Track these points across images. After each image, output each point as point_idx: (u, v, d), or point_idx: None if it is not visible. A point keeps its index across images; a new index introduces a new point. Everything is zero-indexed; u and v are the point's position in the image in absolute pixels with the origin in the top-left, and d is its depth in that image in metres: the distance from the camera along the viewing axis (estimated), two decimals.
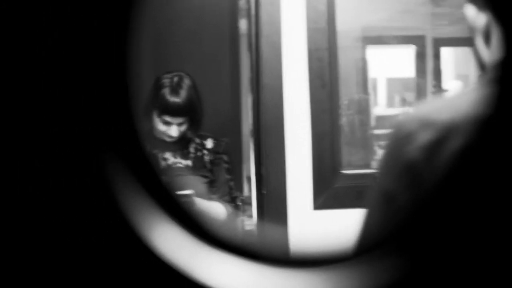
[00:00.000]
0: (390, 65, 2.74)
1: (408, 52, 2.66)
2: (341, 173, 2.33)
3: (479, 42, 1.00)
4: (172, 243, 0.59)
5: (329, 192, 2.30)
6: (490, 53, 0.98)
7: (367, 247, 0.82)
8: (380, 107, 2.79)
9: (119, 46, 0.57)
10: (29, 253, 0.57)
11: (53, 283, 0.57)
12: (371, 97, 2.55)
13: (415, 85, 2.68)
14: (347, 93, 2.42)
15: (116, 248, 0.58)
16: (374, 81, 2.70)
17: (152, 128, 2.32)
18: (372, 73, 2.57)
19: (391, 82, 2.82)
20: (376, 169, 1.02)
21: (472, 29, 1.02)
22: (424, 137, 0.91)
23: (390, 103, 2.84)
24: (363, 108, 2.46)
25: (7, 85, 0.55)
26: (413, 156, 0.91)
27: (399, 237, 0.69)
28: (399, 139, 0.95)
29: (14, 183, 0.56)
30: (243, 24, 3.11)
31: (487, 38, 0.98)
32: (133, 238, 0.57)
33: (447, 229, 0.65)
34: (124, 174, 0.58)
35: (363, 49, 2.51)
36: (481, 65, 1.00)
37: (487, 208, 0.68)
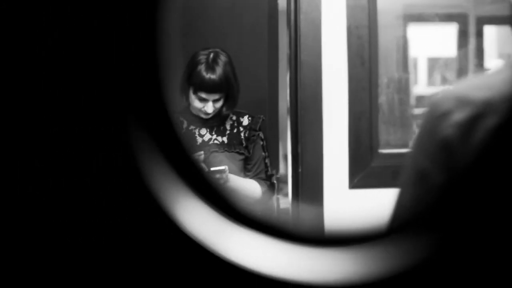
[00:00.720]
0: (431, 43, 2.69)
1: (450, 30, 2.61)
2: (378, 152, 2.31)
3: None
4: (203, 221, 0.59)
5: (365, 171, 2.28)
6: None
7: (400, 226, 0.81)
8: (421, 86, 2.74)
9: (150, 23, 0.57)
10: (53, 228, 0.57)
11: (79, 259, 0.57)
12: (411, 76, 2.51)
13: (456, 64, 2.63)
14: (387, 71, 2.40)
15: (146, 227, 0.58)
16: (415, 59, 2.65)
17: (188, 105, 2.33)
18: (412, 51, 2.53)
19: (432, 60, 2.77)
20: (410, 147, 1.02)
21: None
22: (460, 115, 0.90)
23: (431, 82, 2.79)
24: (403, 87, 2.43)
25: (44, 60, 0.56)
26: (448, 134, 0.90)
27: (432, 216, 0.68)
28: (435, 117, 0.94)
29: (40, 158, 0.56)
30: (282, 0, 3.09)
31: None
32: (162, 216, 0.57)
33: (480, 208, 0.64)
34: (153, 150, 0.58)
35: (404, 27, 2.47)
36: None
37: None
